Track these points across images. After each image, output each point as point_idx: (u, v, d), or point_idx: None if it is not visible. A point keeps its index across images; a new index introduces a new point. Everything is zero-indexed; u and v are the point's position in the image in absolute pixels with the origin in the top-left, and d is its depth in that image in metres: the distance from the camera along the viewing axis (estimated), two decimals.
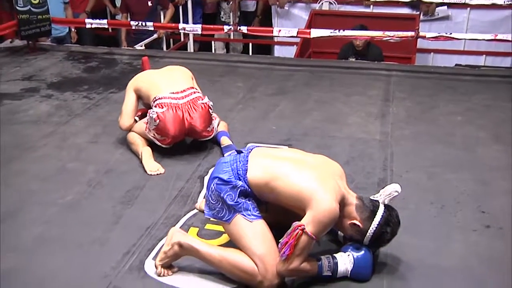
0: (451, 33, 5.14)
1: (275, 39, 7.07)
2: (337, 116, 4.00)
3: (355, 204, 2.20)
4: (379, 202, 2.22)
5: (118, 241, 2.50)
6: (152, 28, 5.81)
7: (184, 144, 3.41)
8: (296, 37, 5.63)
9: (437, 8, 6.45)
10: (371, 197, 2.25)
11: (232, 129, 3.61)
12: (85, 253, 2.41)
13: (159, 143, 3.24)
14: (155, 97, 3.21)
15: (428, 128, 3.77)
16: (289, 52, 6.83)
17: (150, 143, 3.28)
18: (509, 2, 5.11)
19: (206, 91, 3.52)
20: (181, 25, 5.83)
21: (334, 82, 4.81)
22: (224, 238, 2.44)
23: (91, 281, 2.22)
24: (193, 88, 3.32)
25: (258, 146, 2.42)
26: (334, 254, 2.22)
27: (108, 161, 3.29)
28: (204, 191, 2.87)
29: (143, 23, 5.66)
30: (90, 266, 2.32)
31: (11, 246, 2.45)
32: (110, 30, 7.25)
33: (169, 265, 2.28)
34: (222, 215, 2.24)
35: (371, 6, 6.65)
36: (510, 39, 4.96)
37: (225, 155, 3.19)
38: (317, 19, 6.49)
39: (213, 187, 2.26)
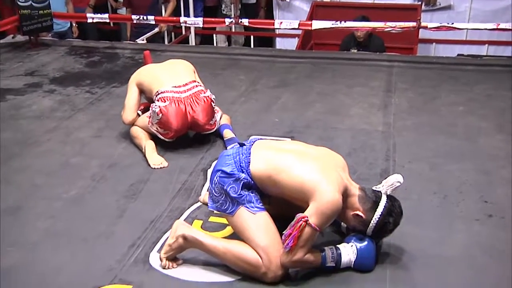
0: (453, 23, 5.13)
1: (277, 31, 7.07)
2: (339, 108, 4.00)
3: (358, 195, 2.20)
4: (381, 193, 2.23)
5: (123, 234, 2.51)
6: (153, 22, 5.81)
7: (187, 137, 3.42)
8: (297, 29, 5.64)
9: None
10: (374, 188, 2.26)
11: (235, 122, 3.62)
12: (90, 247, 2.43)
13: (162, 137, 3.25)
14: (157, 91, 3.22)
15: (430, 119, 3.78)
16: (291, 44, 6.83)
17: (153, 137, 3.29)
18: None
19: (208, 84, 3.53)
20: (182, 19, 5.83)
21: (336, 73, 4.81)
22: (228, 230, 2.46)
23: (96, 275, 2.24)
24: (195, 81, 3.33)
25: (260, 139, 2.43)
26: (338, 245, 2.23)
27: (112, 155, 3.30)
28: (207, 184, 2.89)
29: (145, 17, 5.66)
30: (95, 259, 2.34)
31: (16, 241, 2.47)
32: (111, 24, 7.25)
33: (173, 258, 2.30)
34: (225, 207, 2.25)
35: None
36: None
37: (227, 148, 3.20)
38: (318, 10, 6.48)
39: (216, 180, 2.27)
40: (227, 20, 5.65)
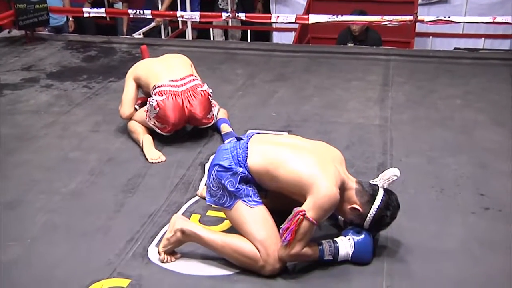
0: (449, 17, 5.12)
1: (274, 25, 7.06)
2: (336, 102, 4.01)
3: (355, 188, 2.22)
4: (378, 186, 2.24)
5: (122, 228, 2.52)
6: (150, 16, 5.80)
7: (185, 131, 3.43)
8: (294, 23, 5.63)
9: None
10: (371, 182, 2.27)
11: (232, 116, 3.62)
12: (89, 241, 2.44)
13: (159, 131, 3.26)
14: (154, 85, 3.22)
15: (427, 112, 3.79)
16: (288, 38, 6.83)
17: (150, 131, 3.30)
18: None
19: (206, 79, 3.53)
20: (179, 13, 5.83)
21: (333, 67, 4.81)
22: (226, 224, 2.47)
23: (95, 268, 2.24)
24: (192, 75, 3.33)
25: (258, 133, 2.44)
26: (335, 239, 2.25)
27: (110, 149, 3.31)
28: (205, 178, 2.89)
29: (141, 11, 5.65)
30: (94, 253, 2.35)
31: (16, 235, 2.48)
32: (108, 19, 7.23)
33: (172, 252, 2.31)
34: (223, 201, 2.26)
35: None
36: (508, 21, 4.95)
37: (225, 142, 3.21)
38: (315, 4, 6.46)
39: (214, 174, 2.28)
40: (224, 14, 5.64)
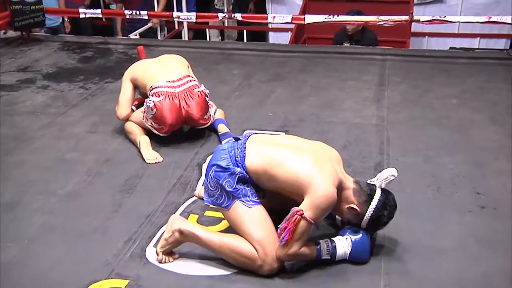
0: (445, 16, 5.14)
1: (270, 26, 7.06)
2: (333, 102, 4.02)
3: (352, 188, 2.22)
4: (375, 186, 2.25)
5: (119, 229, 2.52)
6: (146, 17, 5.80)
7: (182, 132, 3.43)
8: (290, 23, 5.64)
9: None
10: (368, 181, 2.28)
11: (229, 116, 3.63)
12: (86, 242, 2.44)
13: (156, 132, 3.26)
14: (151, 86, 3.22)
15: (423, 112, 3.80)
16: (284, 38, 6.83)
17: (147, 132, 3.30)
18: None
19: (202, 79, 3.53)
20: (175, 13, 5.83)
21: (329, 67, 4.82)
22: (224, 224, 2.47)
23: (93, 269, 2.24)
24: (189, 76, 3.33)
25: (255, 133, 2.44)
26: (333, 238, 2.25)
27: (107, 150, 3.31)
28: (202, 178, 2.90)
29: (137, 12, 5.64)
30: (92, 254, 2.35)
31: (13, 237, 2.48)
32: (104, 19, 7.22)
33: (170, 252, 2.31)
34: (221, 201, 2.26)
35: None
36: (504, 21, 4.97)
37: (222, 142, 3.21)
38: (311, 4, 6.48)
39: (211, 174, 2.28)
40: (220, 15, 5.65)
